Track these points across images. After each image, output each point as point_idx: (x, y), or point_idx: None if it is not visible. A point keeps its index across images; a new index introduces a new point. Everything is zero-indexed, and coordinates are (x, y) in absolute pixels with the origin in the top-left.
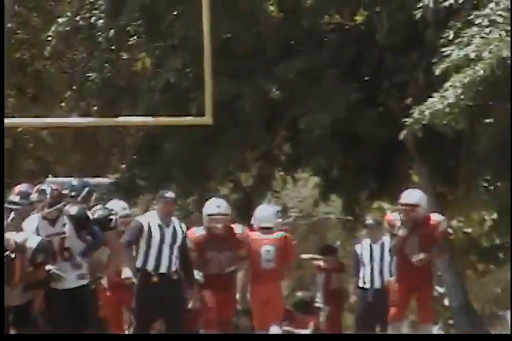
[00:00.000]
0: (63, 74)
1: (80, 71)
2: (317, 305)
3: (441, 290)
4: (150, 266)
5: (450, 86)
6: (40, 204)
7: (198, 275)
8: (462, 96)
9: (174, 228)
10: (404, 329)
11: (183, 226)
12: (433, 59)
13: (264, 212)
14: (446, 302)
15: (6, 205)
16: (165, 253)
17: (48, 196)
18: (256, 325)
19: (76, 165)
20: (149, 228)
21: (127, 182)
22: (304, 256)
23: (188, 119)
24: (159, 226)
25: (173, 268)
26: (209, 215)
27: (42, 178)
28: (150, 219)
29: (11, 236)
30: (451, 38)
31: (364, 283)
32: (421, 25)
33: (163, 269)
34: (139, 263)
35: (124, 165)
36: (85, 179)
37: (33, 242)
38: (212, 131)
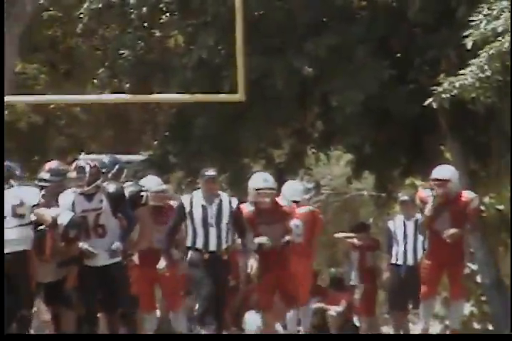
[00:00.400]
0: (95, 51)
1: (112, 48)
2: (352, 283)
3: (473, 267)
4: (199, 245)
5: (480, 61)
6: (79, 182)
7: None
8: (486, 67)
9: (219, 205)
10: (438, 306)
11: (233, 200)
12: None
13: (291, 186)
14: (478, 279)
15: (36, 182)
16: (212, 231)
17: (87, 174)
18: None
19: (108, 142)
20: (191, 208)
21: (159, 159)
22: (337, 235)
23: (221, 96)
24: (202, 206)
25: (224, 246)
26: (257, 190)
27: (74, 155)
28: (194, 198)
29: (45, 212)
30: (485, 13)
31: (397, 259)
32: (453, 2)
33: (212, 247)
34: (188, 242)
35: (156, 142)
36: (116, 156)
37: (65, 218)
38: (244, 108)
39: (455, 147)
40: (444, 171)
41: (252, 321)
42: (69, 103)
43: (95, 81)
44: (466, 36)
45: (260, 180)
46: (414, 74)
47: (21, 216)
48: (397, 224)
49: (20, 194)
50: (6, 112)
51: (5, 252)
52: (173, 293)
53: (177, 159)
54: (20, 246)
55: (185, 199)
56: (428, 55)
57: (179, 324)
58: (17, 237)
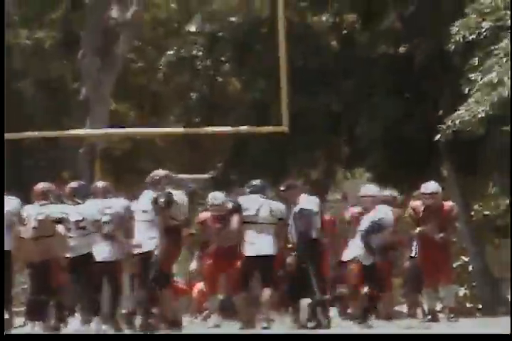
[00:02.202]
0: (172, 94)
1: (185, 92)
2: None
3: (466, 259)
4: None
5: (475, 102)
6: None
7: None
8: (490, 112)
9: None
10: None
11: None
12: (460, 81)
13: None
14: (470, 268)
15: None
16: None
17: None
18: None
19: (182, 164)
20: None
21: (222, 177)
22: None
23: (269, 128)
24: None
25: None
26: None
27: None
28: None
29: None
30: (476, 64)
31: (415, 253)
32: (450, 54)
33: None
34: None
35: (219, 164)
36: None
37: None
38: (287, 137)
39: (451, 168)
40: (432, 186)
41: None
42: (151, 134)
43: (172, 117)
44: (461, 84)
45: (366, 190)
46: (420, 111)
47: (83, 228)
48: None
49: (82, 211)
50: (102, 142)
51: (70, 255)
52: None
53: (236, 177)
54: (83, 250)
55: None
56: (431, 95)
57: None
58: (79, 243)
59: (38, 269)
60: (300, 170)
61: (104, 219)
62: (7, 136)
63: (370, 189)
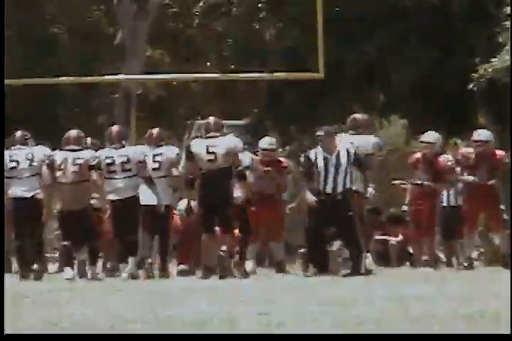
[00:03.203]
0: (207, 40)
1: (220, 38)
2: (407, 218)
3: (502, 207)
4: (320, 187)
5: (508, 50)
6: None
7: None
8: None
9: (338, 155)
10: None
11: (351, 150)
12: (495, 28)
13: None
14: (504, 216)
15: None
16: (330, 177)
17: None
18: None
19: (218, 110)
20: (316, 158)
21: (257, 123)
22: (394, 182)
23: (305, 74)
24: (324, 156)
25: (339, 190)
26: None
27: (191, 120)
28: (317, 151)
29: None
30: (508, 12)
31: (442, 202)
32: (486, 2)
33: (328, 190)
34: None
35: (256, 110)
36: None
37: None
38: (322, 85)
39: (487, 115)
40: (485, 134)
41: None
42: (187, 80)
43: (208, 63)
44: (498, 32)
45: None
46: (456, 58)
47: (128, 170)
48: None
49: (125, 153)
50: (138, 88)
51: (116, 198)
52: (276, 227)
53: (270, 124)
54: (128, 192)
55: (311, 153)
56: (466, 43)
57: (279, 252)
58: (124, 186)
59: (72, 215)
60: (334, 117)
61: (154, 165)
62: (42, 80)
63: (431, 136)
